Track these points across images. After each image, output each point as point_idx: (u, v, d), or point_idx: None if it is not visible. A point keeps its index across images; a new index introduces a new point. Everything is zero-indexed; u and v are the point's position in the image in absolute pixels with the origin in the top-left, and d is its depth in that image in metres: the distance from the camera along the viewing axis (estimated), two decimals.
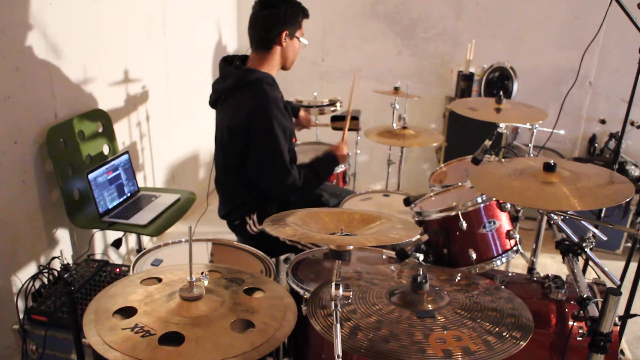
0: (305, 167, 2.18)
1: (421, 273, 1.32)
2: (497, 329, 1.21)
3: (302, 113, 2.82)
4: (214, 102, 2.18)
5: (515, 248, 1.90)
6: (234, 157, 2.10)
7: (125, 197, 2.55)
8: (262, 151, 2.03)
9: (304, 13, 2.13)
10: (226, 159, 2.15)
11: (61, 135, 2.35)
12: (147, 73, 3.11)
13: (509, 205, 1.88)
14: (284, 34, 2.06)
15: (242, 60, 2.16)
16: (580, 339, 1.43)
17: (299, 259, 1.88)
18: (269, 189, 2.12)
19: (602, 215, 2.41)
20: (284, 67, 2.18)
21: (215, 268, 1.47)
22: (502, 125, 2.19)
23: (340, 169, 2.81)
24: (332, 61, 4.18)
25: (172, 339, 1.14)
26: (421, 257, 1.89)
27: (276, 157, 2.02)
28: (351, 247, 1.25)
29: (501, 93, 2.33)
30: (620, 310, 2.07)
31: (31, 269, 2.30)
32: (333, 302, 1.16)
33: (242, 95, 2.03)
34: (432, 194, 2.13)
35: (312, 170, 2.19)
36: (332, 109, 3.15)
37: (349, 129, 2.55)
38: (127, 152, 2.61)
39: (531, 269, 2.26)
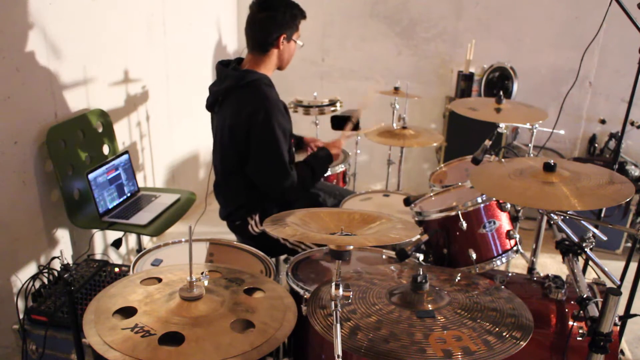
0: (301, 164, 2.18)
1: (421, 273, 1.32)
2: (497, 329, 1.21)
3: (307, 138, 2.74)
4: (211, 105, 2.17)
5: (515, 248, 1.90)
6: (235, 157, 2.09)
7: (125, 197, 2.55)
8: (262, 152, 2.03)
9: (302, 15, 2.11)
10: (227, 160, 2.15)
11: (61, 135, 2.35)
12: (147, 73, 3.10)
13: (509, 205, 1.88)
14: (281, 38, 2.05)
15: (238, 62, 2.15)
16: (580, 339, 1.42)
17: (298, 259, 1.88)
18: (267, 189, 2.12)
19: (602, 215, 2.42)
20: (279, 68, 2.17)
21: (215, 268, 1.47)
22: (502, 125, 2.18)
23: (340, 168, 2.81)
24: (332, 61, 4.18)
25: (172, 339, 1.14)
26: (421, 257, 1.89)
27: (276, 158, 2.02)
28: (351, 247, 1.24)
29: (501, 93, 2.33)
30: (620, 310, 2.07)
31: (31, 269, 2.30)
32: (333, 302, 1.16)
33: (242, 95, 2.02)
34: (432, 194, 2.13)
35: (308, 168, 2.20)
36: (332, 109, 3.15)
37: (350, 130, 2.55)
38: (127, 152, 2.61)
39: (531, 269, 2.25)
